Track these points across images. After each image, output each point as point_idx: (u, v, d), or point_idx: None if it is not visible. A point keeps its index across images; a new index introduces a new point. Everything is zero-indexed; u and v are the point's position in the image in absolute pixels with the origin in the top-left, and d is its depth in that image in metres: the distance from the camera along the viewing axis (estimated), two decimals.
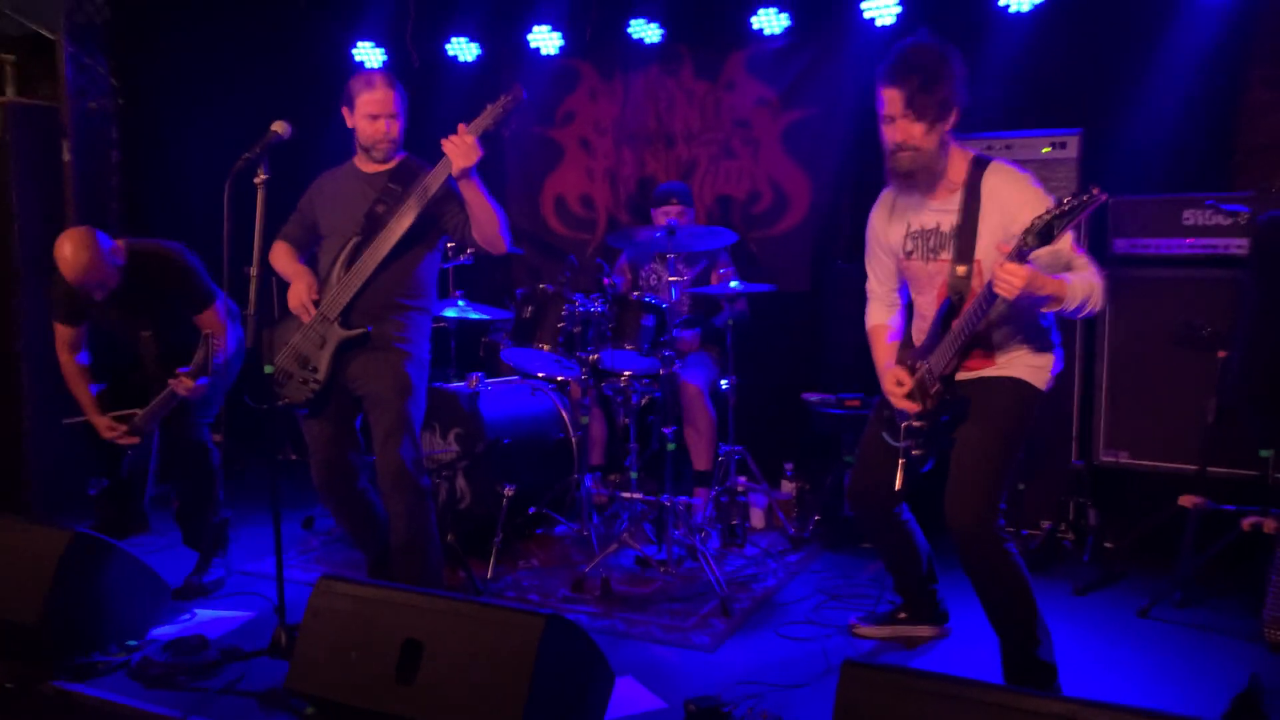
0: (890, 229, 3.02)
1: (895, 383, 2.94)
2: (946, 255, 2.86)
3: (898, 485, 2.95)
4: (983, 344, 2.87)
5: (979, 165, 2.83)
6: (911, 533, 3.25)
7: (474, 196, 3.28)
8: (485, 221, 3.33)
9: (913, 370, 2.94)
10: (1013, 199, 2.74)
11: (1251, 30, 4.32)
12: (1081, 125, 4.21)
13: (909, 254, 2.97)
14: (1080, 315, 2.71)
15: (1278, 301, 3.47)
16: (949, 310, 2.83)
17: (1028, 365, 2.88)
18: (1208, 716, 1.89)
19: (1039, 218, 2.46)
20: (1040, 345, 2.89)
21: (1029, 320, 2.86)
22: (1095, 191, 2.39)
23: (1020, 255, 2.51)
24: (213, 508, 3.98)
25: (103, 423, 3.83)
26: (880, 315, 3.16)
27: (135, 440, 3.85)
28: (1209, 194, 3.96)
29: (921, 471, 2.95)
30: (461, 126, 3.25)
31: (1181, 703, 2.88)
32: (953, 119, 2.79)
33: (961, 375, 2.90)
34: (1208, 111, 4.35)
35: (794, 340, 5.30)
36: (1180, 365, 3.99)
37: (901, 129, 2.77)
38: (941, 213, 2.87)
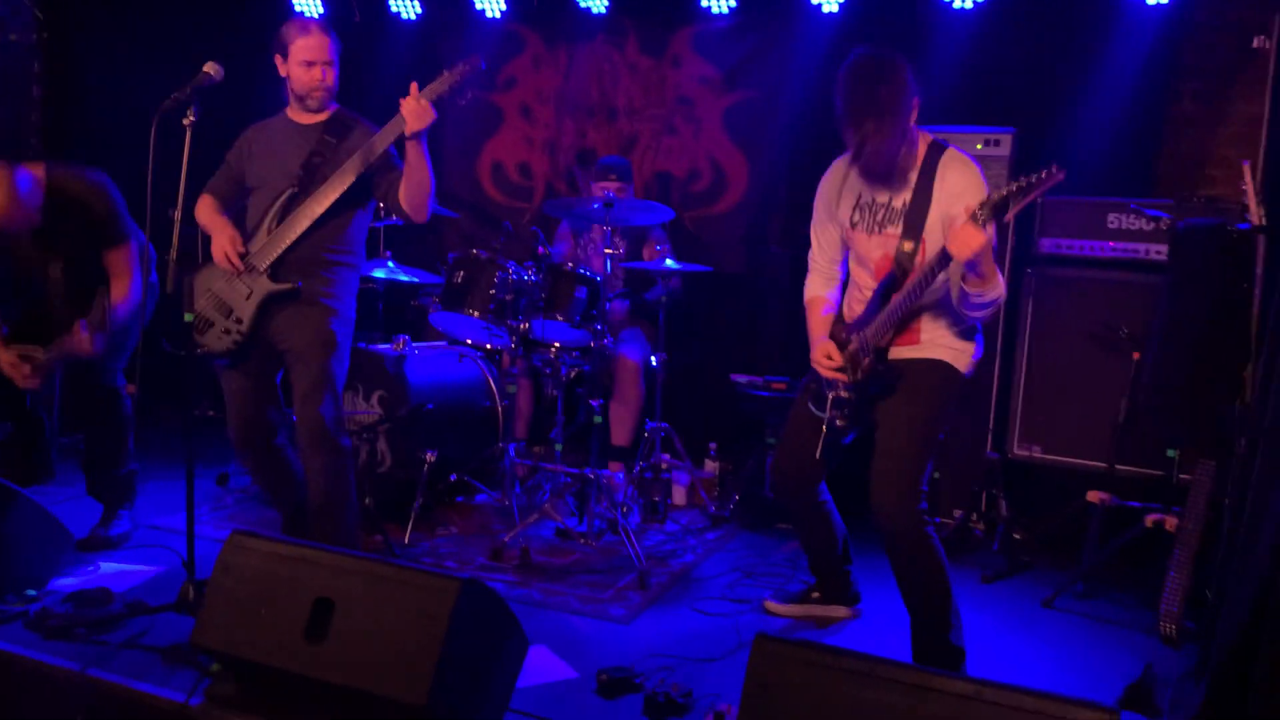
0: (841, 197, 3.04)
1: (825, 355, 2.98)
2: (893, 230, 2.90)
3: (817, 453, 3.01)
4: (911, 324, 2.94)
5: (936, 150, 2.89)
6: (829, 514, 3.30)
7: (417, 160, 3.23)
8: (418, 187, 3.28)
9: (844, 344, 2.98)
10: (959, 186, 2.80)
11: (1183, 45, 4.44)
12: (1015, 125, 4.28)
13: (854, 224, 3.01)
14: (980, 315, 2.81)
15: (1190, 308, 3.58)
16: (891, 283, 2.88)
17: (951, 348, 2.94)
18: (1103, 701, 1.95)
19: (997, 192, 2.54)
20: (964, 330, 2.96)
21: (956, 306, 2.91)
22: (1054, 168, 2.47)
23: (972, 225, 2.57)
24: (122, 458, 3.84)
25: (5, 358, 3.61)
26: (819, 287, 3.17)
27: (35, 384, 3.66)
28: (1133, 199, 4.07)
29: (843, 443, 3.01)
30: (414, 87, 3.20)
31: (1080, 688, 2.97)
32: (914, 115, 2.83)
33: (890, 354, 2.96)
34: (1136, 118, 4.46)
35: (726, 321, 5.33)
36: (1096, 365, 4.10)
37: (859, 133, 2.78)
38: (894, 189, 2.91)
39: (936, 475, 4.33)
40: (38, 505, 3.25)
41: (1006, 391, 4.31)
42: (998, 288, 2.71)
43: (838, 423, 2.99)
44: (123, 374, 3.86)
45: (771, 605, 3.46)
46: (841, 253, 3.13)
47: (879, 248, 2.95)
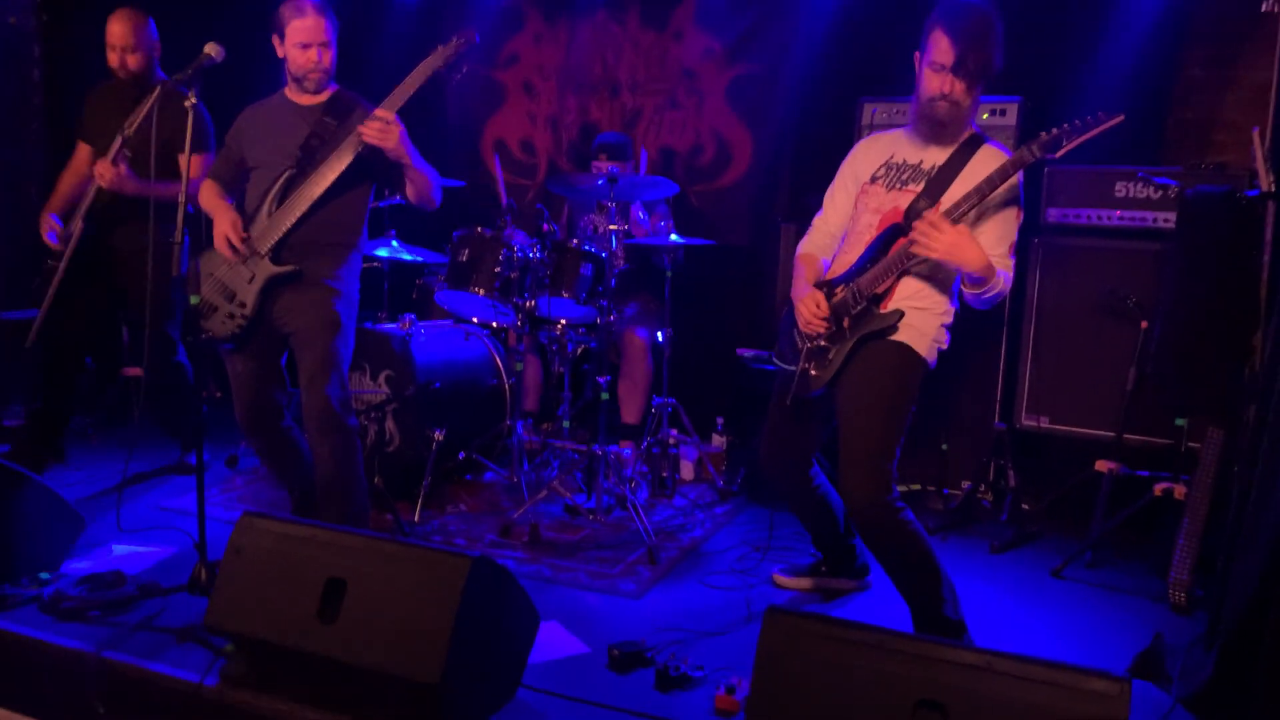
0: (875, 155, 3.04)
1: (814, 303, 2.93)
2: (913, 188, 2.89)
3: (788, 400, 3.00)
4: (886, 298, 2.90)
5: (976, 140, 2.90)
6: (825, 495, 3.29)
7: (408, 169, 3.27)
8: (420, 186, 3.34)
9: (831, 294, 2.95)
10: (990, 167, 2.78)
11: (1192, 10, 4.39)
12: (1021, 94, 4.24)
13: (874, 179, 2.99)
14: (983, 306, 2.84)
15: (1199, 276, 3.56)
16: (895, 231, 2.87)
17: (918, 330, 2.89)
18: (1113, 670, 1.96)
19: (1052, 130, 2.62)
20: (935, 315, 2.93)
21: (936, 284, 2.91)
22: (1101, 115, 2.59)
23: (1015, 166, 2.68)
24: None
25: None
26: (816, 247, 3.13)
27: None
28: (1141, 166, 4.04)
29: (812, 394, 2.97)
30: (378, 111, 3.19)
31: (1089, 657, 2.97)
32: (985, 84, 2.88)
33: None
34: (1144, 86, 4.41)
35: (731, 295, 5.31)
36: (1104, 334, 4.09)
37: (949, 81, 2.80)
38: (930, 152, 2.92)
39: (944, 447, 4.34)
40: (47, 489, 3.26)
41: (1014, 362, 4.30)
42: (997, 285, 2.74)
43: (811, 372, 2.95)
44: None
45: (780, 579, 3.47)
46: (848, 220, 3.09)
47: (892, 202, 2.92)
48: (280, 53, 3.36)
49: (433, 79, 3.24)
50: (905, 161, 2.96)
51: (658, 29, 5.40)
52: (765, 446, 3.25)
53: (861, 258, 2.92)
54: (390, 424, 4.20)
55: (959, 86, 2.80)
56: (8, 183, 4.85)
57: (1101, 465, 3.86)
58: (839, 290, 2.94)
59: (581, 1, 5.48)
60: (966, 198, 2.73)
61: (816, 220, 3.17)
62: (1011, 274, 2.83)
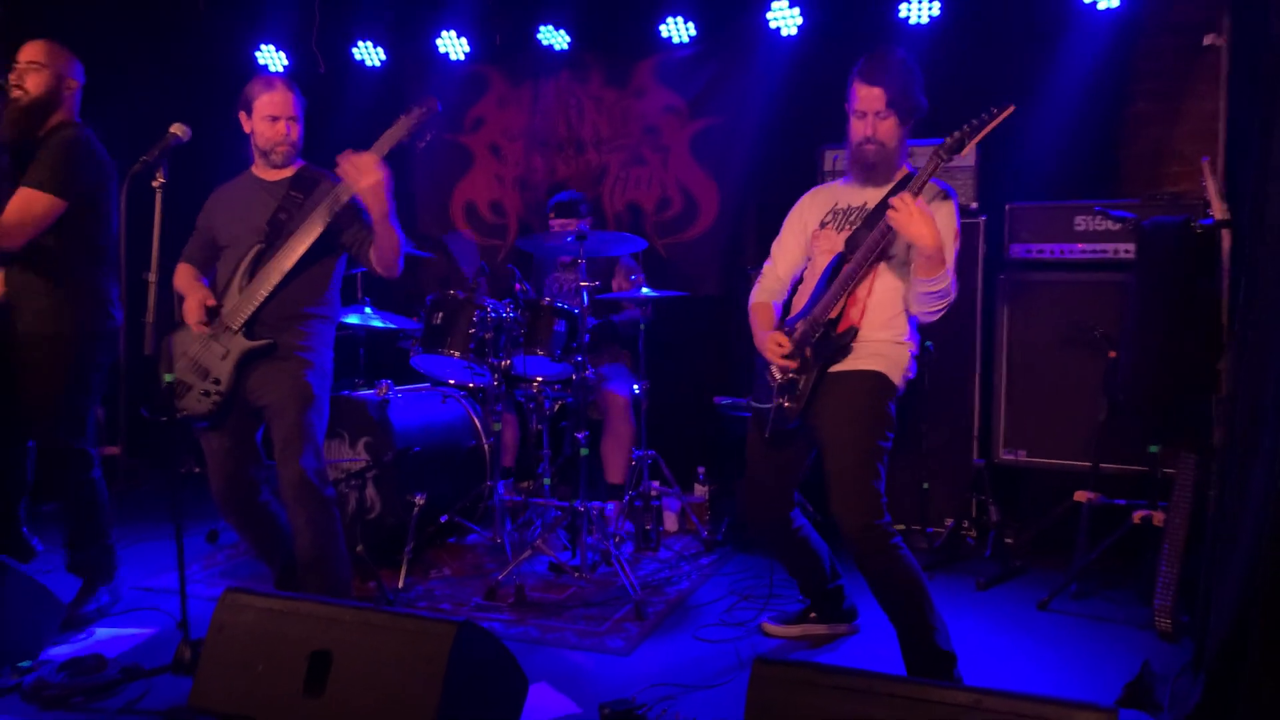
0: (820, 205, 3.21)
1: (776, 344, 3.04)
2: (857, 224, 3.06)
3: (766, 432, 3.09)
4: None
5: (909, 176, 3.00)
6: (807, 538, 3.33)
7: (382, 222, 3.21)
8: (387, 248, 3.28)
9: (791, 332, 3.07)
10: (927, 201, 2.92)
11: (1136, 46, 4.53)
12: None
13: (823, 224, 3.15)
14: (933, 312, 2.93)
15: (1161, 304, 3.63)
16: (840, 261, 3.02)
17: (885, 358, 3.01)
18: (1103, 702, 1.97)
19: (953, 133, 2.81)
20: (900, 343, 3.05)
21: (895, 313, 3.03)
22: (994, 110, 2.78)
23: (936, 162, 2.81)
24: (98, 530, 3.60)
25: None
26: (766, 295, 3.28)
27: None
28: (1098, 200, 4.13)
29: (789, 427, 3.05)
30: (362, 155, 3.18)
31: (1079, 689, 2.99)
32: (911, 125, 3.07)
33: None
34: (1094, 122, 4.54)
35: (704, 345, 5.36)
36: (1074, 365, 4.15)
37: (874, 125, 2.99)
38: (869, 193, 3.09)
39: (925, 485, 4.36)
40: (25, 574, 3.22)
41: (989, 397, 4.35)
42: (946, 279, 2.84)
43: (785, 404, 3.04)
44: (82, 431, 3.57)
45: (769, 627, 3.46)
46: (798, 269, 3.25)
47: (842, 242, 3.07)
48: (247, 128, 3.39)
49: (397, 148, 3.28)
50: (850, 205, 3.12)
51: (619, 86, 5.49)
52: (747, 491, 3.30)
53: (814, 292, 3.07)
54: (370, 491, 4.19)
55: (881, 128, 2.99)
56: None
57: (1080, 496, 3.89)
58: (798, 325, 3.06)
59: (544, 63, 5.58)
60: (910, 182, 2.88)
61: (766, 268, 3.31)
62: (954, 286, 2.92)
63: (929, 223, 2.76)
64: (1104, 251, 4.16)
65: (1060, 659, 3.26)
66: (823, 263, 3.10)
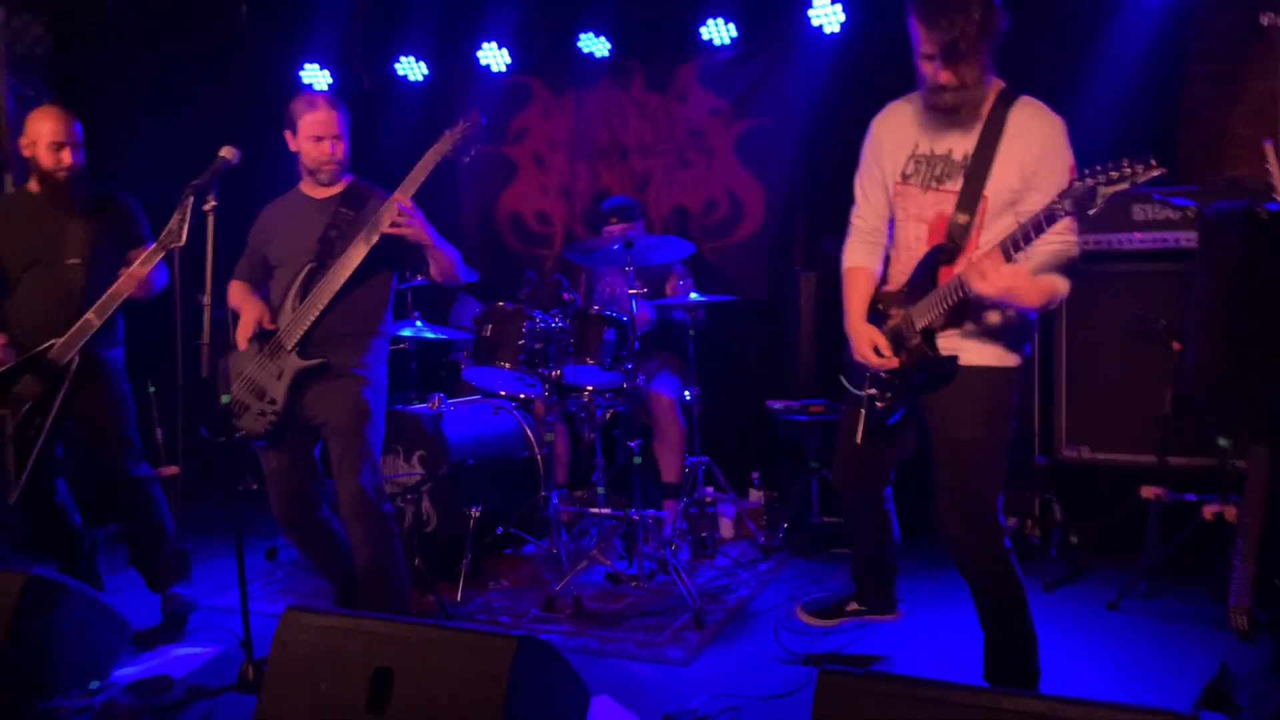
0: (896, 144, 2.73)
1: (871, 345, 2.69)
2: (951, 187, 2.62)
3: (858, 437, 2.81)
4: (966, 317, 2.63)
5: (1006, 98, 2.60)
6: (889, 520, 3.07)
7: (430, 250, 3.32)
8: (443, 264, 3.39)
9: (885, 318, 2.73)
10: (1038, 139, 2.53)
11: (1191, 25, 4.41)
12: None
13: (906, 177, 2.71)
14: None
15: (1226, 292, 3.52)
16: (938, 255, 2.63)
17: (1003, 344, 2.65)
18: (1180, 707, 1.90)
19: (1080, 182, 2.28)
20: (1020, 323, 2.68)
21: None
22: (1153, 162, 2.21)
23: (1049, 220, 2.34)
24: (164, 541, 3.74)
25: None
26: (861, 254, 2.84)
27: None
28: (1157, 188, 4.03)
29: (888, 424, 2.78)
30: (396, 195, 3.22)
31: (1154, 694, 2.90)
32: (994, 43, 2.54)
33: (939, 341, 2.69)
34: (1152, 107, 4.43)
35: (755, 348, 5.32)
36: (1136, 358, 4.05)
37: (941, 70, 2.50)
38: (958, 140, 2.62)
39: None
40: (92, 596, 3.27)
41: (1049, 393, 4.27)
42: (1055, 295, 2.53)
43: (877, 404, 2.75)
44: (138, 454, 3.73)
45: (805, 616, 3.23)
46: (890, 210, 2.80)
47: (933, 206, 2.66)
48: (293, 147, 3.41)
49: (443, 162, 3.29)
50: (933, 153, 2.66)
51: (661, 91, 5.47)
52: (838, 465, 3.05)
53: (912, 278, 2.70)
54: (426, 504, 4.20)
55: (962, 69, 2.50)
56: None
57: (1147, 491, 3.79)
58: (894, 313, 2.71)
59: (585, 71, 5.57)
60: (1012, 237, 2.42)
61: (855, 220, 2.88)
62: (1076, 238, 2.56)
63: (1022, 289, 2.41)
64: (1165, 240, 4.05)
65: (1132, 661, 3.18)
66: (916, 234, 2.69)
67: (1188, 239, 3.97)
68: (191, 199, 3.10)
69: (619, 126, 5.58)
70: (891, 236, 2.83)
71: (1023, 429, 4.28)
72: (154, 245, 3.43)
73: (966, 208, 2.59)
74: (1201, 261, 3.67)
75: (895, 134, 2.75)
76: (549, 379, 4.13)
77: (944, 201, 2.64)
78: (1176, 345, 3.81)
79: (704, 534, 4.35)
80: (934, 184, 2.65)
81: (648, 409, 4.62)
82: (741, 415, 5.11)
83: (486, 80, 5.71)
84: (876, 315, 2.77)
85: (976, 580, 2.76)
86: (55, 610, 3.11)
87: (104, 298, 3.49)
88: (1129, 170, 2.23)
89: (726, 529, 4.65)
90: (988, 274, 2.42)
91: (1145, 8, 4.38)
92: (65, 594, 3.15)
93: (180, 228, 3.22)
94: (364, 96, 5.72)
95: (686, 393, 4.50)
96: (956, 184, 2.61)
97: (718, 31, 5.17)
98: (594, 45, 5.41)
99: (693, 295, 4.39)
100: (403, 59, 5.77)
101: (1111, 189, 2.25)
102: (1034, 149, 2.53)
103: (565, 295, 4.24)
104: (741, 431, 5.12)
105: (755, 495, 4.76)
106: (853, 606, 3.22)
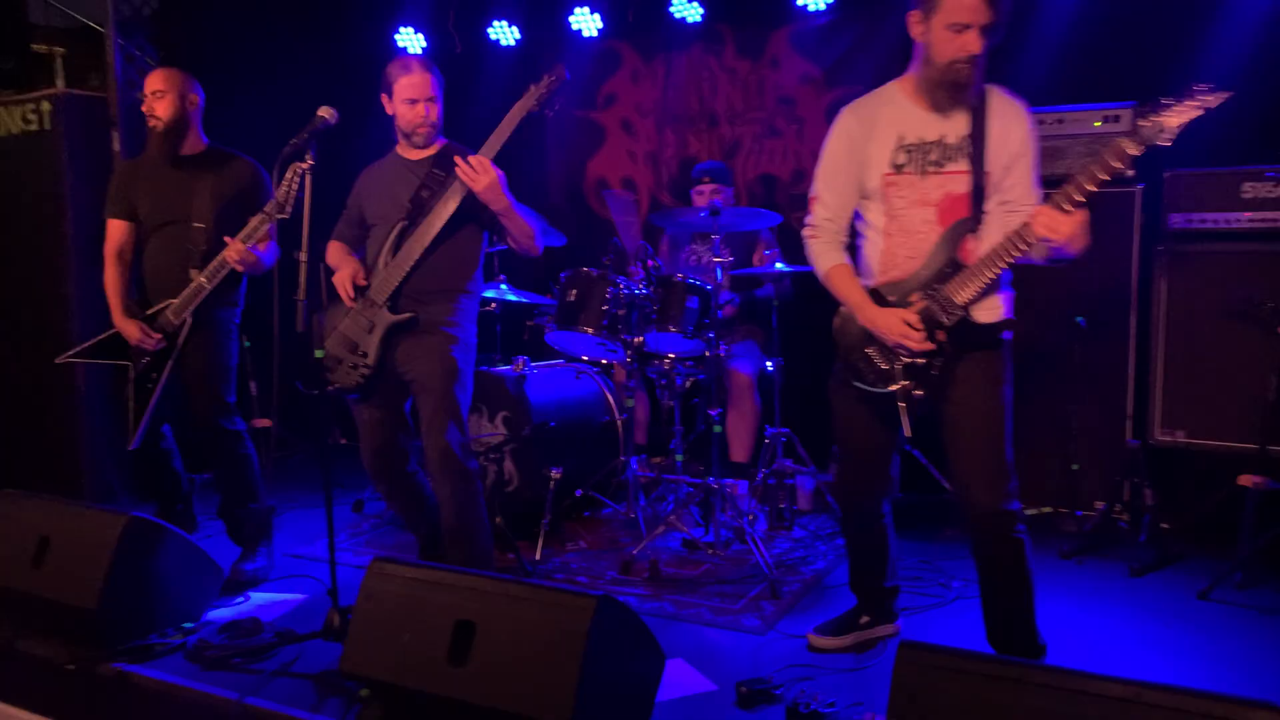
0: (878, 139, 2.78)
1: (903, 325, 2.70)
2: (954, 168, 2.70)
3: (907, 431, 2.75)
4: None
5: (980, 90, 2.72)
6: (889, 530, 3.15)
7: (507, 217, 3.34)
8: (519, 234, 3.42)
9: (905, 304, 2.75)
10: (1016, 123, 2.70)
11: None
12: (1135, 98, 4.10)
13: (899, 167, 2.75)
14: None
15: None
16: (963, 229, 2.69)
17: (1001, 303, 2.74)
18: (1272, 699, 1.84)
19: (1146, 120, 2.42)
20: (1006, 290, 2.76)
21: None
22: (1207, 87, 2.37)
23: (1119, 159, 2.42)
24: (252, 497, 3.86)
25: (132, 328, 3.68)
26: (835, 254, 2.90)
27: (157, 343, 3.67)
28: (1269, 165, 3.86)
29: (920, 413, 2.77)
30: (473, 158, 3.25)
31: (1245, 685, 2.82)
32: None
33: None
34: (1264, 81, 4.22)
35: None
36: (1239, 342, 3.91)
37: (974, 40, 2.56)
38: (947, 125, 2.71)
39: (1075, 467, 4.18)
40: (188, 540, 3.40)
41: (1144, 375, 4.14)
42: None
43: (915, 393, 2.73)
44: (232, 409, 3.82)
45: (817, 640, 3.15)
46: (853, 210, 2.89)
47: (939, 188, 2.72)
48: (389, 110, 3.47)
49: (528, 119, 3.30)
50: (923, 140, 2.73)
51: (753, 58, 5.41)
52: (844, 475, 3.15)
53: (933, 257, 2.73)
54: (509, 464, 4.26)
55: (982, 42, 2.57)
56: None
57: (1245, 480, 3.67)
58: (915, 299, 2.73)
59: (676, 37, 5.53)
60: (1078, 184, 2.45)
61: (820, 222, 2.91)
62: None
63: (1084, 232, 2.49)
64: (1274, 220, 3.88)
65: (1222, 651, 3.08)
66: (923, 216, 2.73)
67: None
68: (294, 167, 3.18)
69: (708, 93, 5.53)
70: (868, 229, 2.89)
71: (1115, 410, 4.17)
72: (259, 215, 3.53)
73: (978, 183, 2.69)
74: None
75: (873, 129, 2.80)
76: (631, 345, 4.14)
77: (950, 182, 2.72)
78: None
79: (781, 505, 4.34)
80: (933, 168, 2.73)
81: (725, 384, 4.61)
82: (825, 388, 5.05)
83: (577, 45, 5.71)
84: (886, 306, 2.79)
85: (994, 556, 2.76)
86: (153, 552, 3.24)
87: (214, 262, 3.62)
88: (1192, 101, 2.40)
89: (804, 501, 4.63)
90: (1058, 225, 2.46)
91: None
92: (163, 536, 3.28)
93: (286, 200, 3.31)
94: (456, 61, 5.76)
95: (769, 364, 4.47)
96: (959, 164, 2.70)
97: None
98: (686, 10, 5.36)
99: (779, 265, 4.35)
100: (495, 24, 5.79)
101: (1179, 119, 2.42)
102: (1016, 133, 2.69)
103: (650, 262, 4.24)
104: (825, 405, 5.05)
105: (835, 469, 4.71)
106: (864, 619, 3.21)
